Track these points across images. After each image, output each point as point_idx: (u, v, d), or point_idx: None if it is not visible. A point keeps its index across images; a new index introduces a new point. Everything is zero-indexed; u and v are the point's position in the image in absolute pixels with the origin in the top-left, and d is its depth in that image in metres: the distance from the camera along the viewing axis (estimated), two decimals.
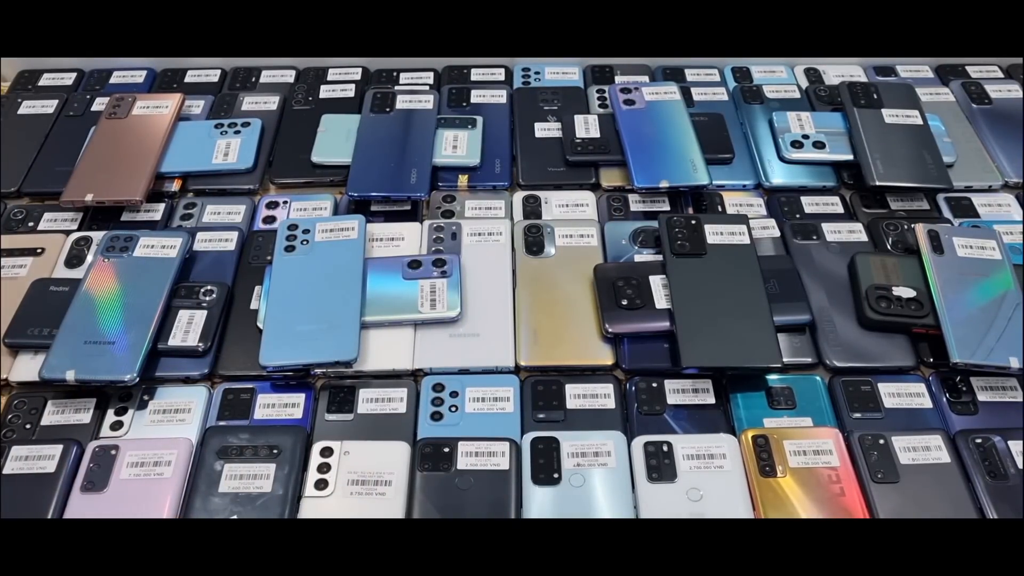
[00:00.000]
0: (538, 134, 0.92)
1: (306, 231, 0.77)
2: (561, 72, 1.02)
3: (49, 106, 0.95)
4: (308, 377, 0.71)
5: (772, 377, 0.71)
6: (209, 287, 0.75)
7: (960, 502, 0.63)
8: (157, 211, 0.84)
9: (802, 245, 0.80)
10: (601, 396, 0.70)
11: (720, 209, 0.85)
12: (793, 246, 0.80)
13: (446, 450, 0.65)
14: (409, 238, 0.81)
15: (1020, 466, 0.65)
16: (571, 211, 0.84)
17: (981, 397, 0.70)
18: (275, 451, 0.65)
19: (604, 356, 0.72)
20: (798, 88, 0.99)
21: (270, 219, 0.84)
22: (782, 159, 0.89)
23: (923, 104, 0.92)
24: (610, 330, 0.72)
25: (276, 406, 0.69)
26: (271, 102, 0.95)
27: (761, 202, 0.86)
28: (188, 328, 0.72)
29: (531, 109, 0.95)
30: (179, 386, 0.71)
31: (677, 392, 0.70)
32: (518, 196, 0.86)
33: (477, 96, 0.97)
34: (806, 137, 0.89)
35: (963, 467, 0.65)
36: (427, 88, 0.97)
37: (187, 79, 1.01)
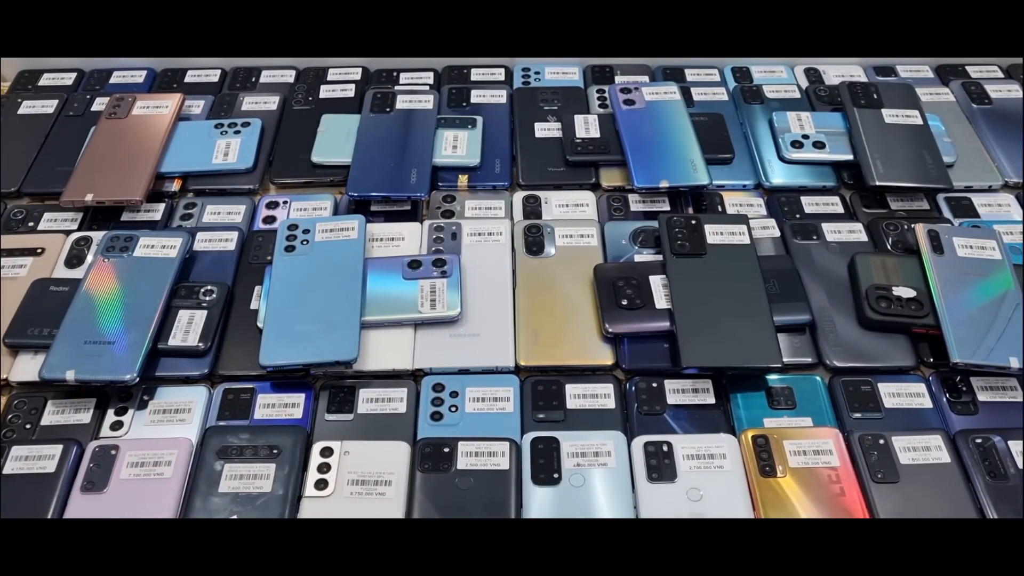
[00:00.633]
0: (538, 134, 0.92)
1: (306, 231, 0.77)
2: (561, 72, 1.02)
3: (49, 106, 0.95)
4: (307, 377, 0.71)
5: (772, 377, 0.71)
6: (209, 287, 0.75)
7: (960, 502, 0.63)
8: (157, 211, 0.84)
9: (802, 245, 0.80)
10: (601, 396, 0.70)
11: (720, 209, 0.85)
12: (793, 246, 0.80)
13: (446, 450, 0.65)
14: (409, 238, 0.81)
15: (1020, 466, 0.65)
16: (571, 211, 0.84)
17: (981, 397, 0.70)
18: (275, 451, 0.65)
19: (604, 356, 0.72)
20: (798, 88, 0.99)
21: (270, 219, 0.84)
22: (782, 159, 0.89)
23: (923, 104, 0.92)
24: (610, 330, 0.72)
25: (276, 406, 0.69)
26: (271, 102, 0.95)
27: (761, 202, 0.86)
28: (188, 328, 0.72)
29: (531, 109, 0.95)
30: (179, 386, 0.71)
31: (677, 392, 0.70)
32: (518, 196, 0.86)
33: (477, 96, 0.97)
34: (806, 137, 0.89)
35: (963, 467, 0.65)
36: (427, 88, 0.97)
37: (187, 79, 1.01)
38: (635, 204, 0.85)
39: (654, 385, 0.70)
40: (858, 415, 0.69)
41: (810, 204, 0.85)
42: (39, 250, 0.79)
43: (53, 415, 0.69)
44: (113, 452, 0.65)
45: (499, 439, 0.66)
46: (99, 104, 0.95)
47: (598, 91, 0.98)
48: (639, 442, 0.66)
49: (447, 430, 0.67)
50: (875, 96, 0.92)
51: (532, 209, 0.84)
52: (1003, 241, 0.76)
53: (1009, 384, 0.71)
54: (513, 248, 0.80)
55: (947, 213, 0.85)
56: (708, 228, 0.77)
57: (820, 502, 0.63)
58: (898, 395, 0.70)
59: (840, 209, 0.85)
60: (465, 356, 0.72)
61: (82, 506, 0.62)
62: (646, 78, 1.01)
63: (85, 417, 0.68)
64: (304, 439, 0.66)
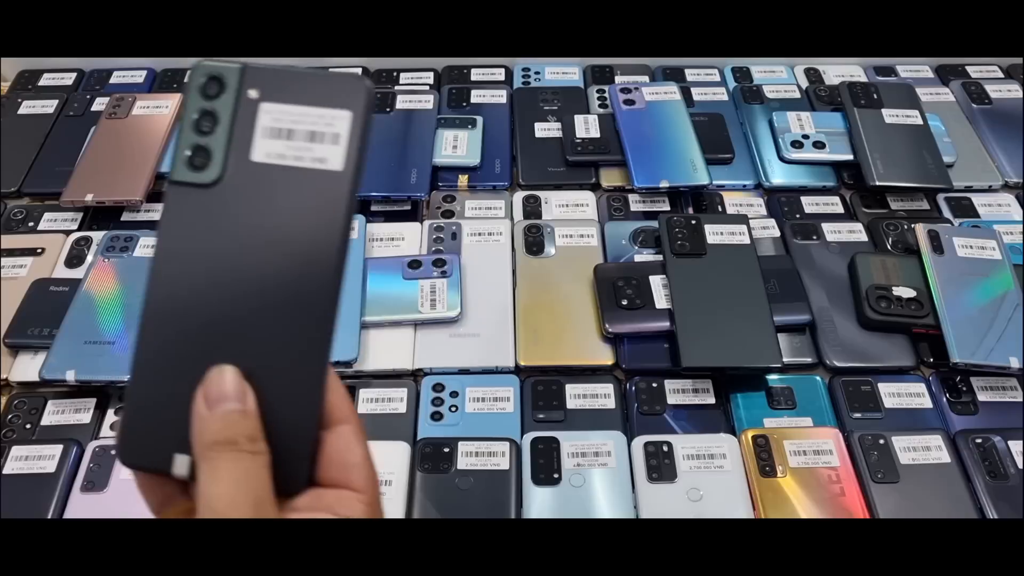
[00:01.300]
0: (538, 134, 0.92)
1: None
2: (561, 72, 1.02)
3: (49, 106, 0.95)
4: None
5: (772, 377, 0.71)
6: None
7: (960, 502, 0.63)
8: (157, 211, 0.84)
9: (802, 245, 0.80)
10: (601, 396, 0.70)
11: (720, 209, 0.85)
12: (793, 246, 0.80)
13: (446, 450, 0.65)
14: (409, 238, 0.80)
15: (1020, 466, 0.65)
16: (571, 211, 0.84)
17: (981, 397, 0.70)
18: None
19: (604, 356, 0.72)
20: (798, 88, 0.99)
21: None
22: (782, 159, 0.89)
23: (923, 104, 0.92)
24: (610, 330, 0.72)
25: None
26: None
27: (761, 202, 0.86)
28: None
29: (531, 109, 0.95)
30: None
31: (677, 392, 0.70)
32: (518, 196, 0.86)
33: (477, 96, 0.97)
34: (806, 137, 0.89)
35: (963, 467, 0.65)
36: (427, 88, 0.97)
37: (187, 79, 1.01)
38: (635, 204, 0.85)
39: (654, 385, 0.70)
40: (858, 415, 0.69)
41: (810, 204, 0.85)
42: (39, 250, 0.79)
43: (53, 415, 0.69)
44: (113, 452, 0.65)
45: (499, 439, 0.66)
46: (99, 104, 0.94)
47: (598, 91, 0.98)
48: (639, 442, 0.66)
49: (447, 430, 0.67)
50: (875, 96, 0.92)
51: (532, 209, 0.84)
52: (1003, 241, 0.76)
53: (1009, 384, 0.71)
54: (513, 248, 0.80)
55: (947, 213, 0.85)
56: (708, 228, 0.77)
57: (820, 502, 0.63)
58: (898, 395, 0.70)
59: (840, 209, 0.85)
60: (465, 356, 0.72)
61: (82, 506, 0.62)
62: (646, 78, 1.01)
63: (85, 417, 0.68)
64: None
